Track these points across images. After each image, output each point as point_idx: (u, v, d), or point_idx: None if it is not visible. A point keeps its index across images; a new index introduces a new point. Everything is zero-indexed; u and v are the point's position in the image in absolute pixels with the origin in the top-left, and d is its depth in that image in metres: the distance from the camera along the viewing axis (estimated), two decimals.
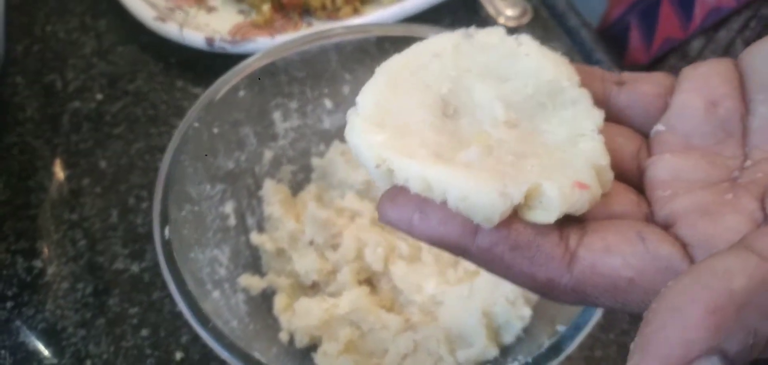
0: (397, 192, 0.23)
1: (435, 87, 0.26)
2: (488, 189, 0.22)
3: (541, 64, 0.26)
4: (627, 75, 0.27)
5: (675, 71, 0.26)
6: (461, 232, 0.22)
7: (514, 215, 0.22)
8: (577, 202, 0.22)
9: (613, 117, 0.26)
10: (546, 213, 0.22)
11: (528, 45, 0.27)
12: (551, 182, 0.22)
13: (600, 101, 0.26)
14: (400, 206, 0.23)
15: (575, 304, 0.23)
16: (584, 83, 0.26)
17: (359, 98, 0.25)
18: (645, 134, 0.26)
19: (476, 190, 0.22)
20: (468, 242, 0.22)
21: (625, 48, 0.65)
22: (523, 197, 0.22)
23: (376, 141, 0.23)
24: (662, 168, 0.24)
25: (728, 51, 0.58)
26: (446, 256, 0.45)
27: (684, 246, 0.22)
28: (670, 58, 0.63)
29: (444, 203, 0.22)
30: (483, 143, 0.24)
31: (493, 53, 0.27)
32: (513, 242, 0.22)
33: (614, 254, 0.22)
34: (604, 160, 0.24)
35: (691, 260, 0.21)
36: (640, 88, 0.26)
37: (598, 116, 0.25)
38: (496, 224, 0.22)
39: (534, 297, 0.41)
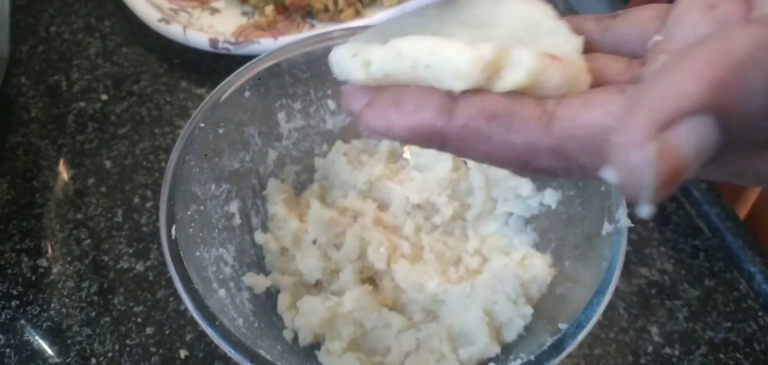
0: (374, 96, 0.23)
1: None
2: (458, 44, 0.22)
3: (519, 8, 0.26)
4: (622, 11, 0.26)
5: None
6: (436, 113, 0.22)
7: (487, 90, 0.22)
8: (548, 69, 0.22)
9: (609, 47, 0.25)
10: (515, 72, 0.22)
11: None
12: (522, 47, 0.22)
13: (594, 36, 0.25)
14: (377, 108, 0.23)
15: (558, 172, 0.22)
16: (576, 26, 0.26)
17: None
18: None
19: (445, 45, 0.22)
20: (443, 123, 0.22)
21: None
22: (493, 59, 0.22)
23: (354, 44, 0.24)
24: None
25: None
26: (448, 255, 0.45)
27: None
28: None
29: (417, 85, 0.23)
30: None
31: (475, 7, 0.27)
32: (489, 111, 0.22)
33: (594, 106, 0.21)
34: (579, 62, 0.24)
35: None
36: (635, 15, 0.25)
37: (576, 40, 0.25)
38: (468, 81, 0.22)
39: (535, 296, 0.41)
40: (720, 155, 0.18)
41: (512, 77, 0.22)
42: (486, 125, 0.22)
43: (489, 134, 0.22)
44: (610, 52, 0.25)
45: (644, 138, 0.17)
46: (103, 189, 0.53)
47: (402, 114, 0.23)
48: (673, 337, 0.47)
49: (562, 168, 0.22)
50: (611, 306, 0.46)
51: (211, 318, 0.34)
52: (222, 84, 0.43)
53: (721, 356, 0.46)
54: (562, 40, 0.25)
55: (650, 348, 0.46)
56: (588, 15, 0.27)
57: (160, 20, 0.61)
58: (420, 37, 0.23)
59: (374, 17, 0.62)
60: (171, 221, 0.37)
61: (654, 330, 0.47)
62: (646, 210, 0.18)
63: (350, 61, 0.24)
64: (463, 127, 0.22)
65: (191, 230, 0.39)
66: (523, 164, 0.22)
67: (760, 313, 0.48)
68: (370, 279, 0.46)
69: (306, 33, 0.63)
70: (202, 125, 0.41)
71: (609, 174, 0.19)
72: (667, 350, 0.46)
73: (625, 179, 0.18)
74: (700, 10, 0.22)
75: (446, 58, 0.22)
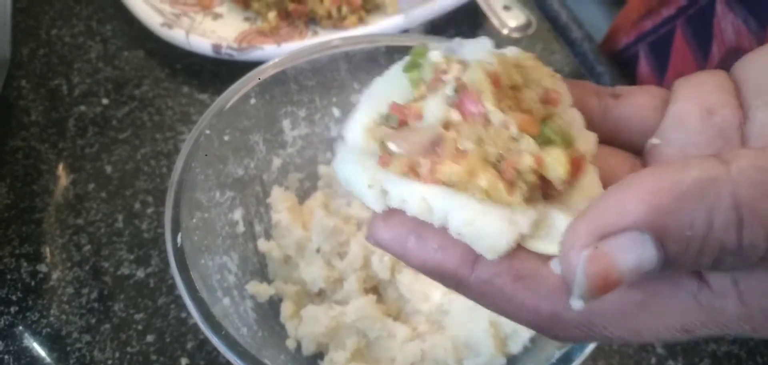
0: (392, 213, 0.22)
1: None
2: (497, 216, 0.20)
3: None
4: (621, 88, 0.26)
5: None
6: (460, 261, 0.21)
7: (517, 246, 0.21)
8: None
9: (610, 130, 0.25)
10: (553, 244, 0.21)
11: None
12: (559, 212, 0.21)
13: (595, 115, 0.25)
14: (394, 228, 0.22)
15: (577, 340, 0.22)
16: (578, 99, 0.25)
17: (346, 131, 0.24)
18: (640, 150, 0.25)
19: (483, 214, 0.20)
20: (466, 273, 0.21)
21: (635, 76, 0.64)
22: (530, 231, 0.21)
23: (369, 164, 0.22)
24: None
25: None
26: None
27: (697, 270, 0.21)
28: None
29: (443, 228, 0.21)
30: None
31: None
32: (516, 272, 0.21)
33: None
34: (597, 190, 0.23)
35: (705, 281, 0.20)
36: (635, 100, 0.25)
37: (591, 137, 0.24)
38: (501, 255, 0.21)
39: None
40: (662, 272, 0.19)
41: (549, 249, 0.21)
42: (512, 286, 0.21)
43: (513, 294, 0.21)
44: (610, 134, 0.25)
45: (582, 244, 0.19)
46: (103, 194, 0.53)
47: (423, 248, 0.22)
48: (677, 349, 0.47)
49: (586, 337, 0.21)
50: None
51: (216, 327, 0.34)
52: (227, 91, 0.43)
53: None
54: (580, 136, 0.24)
55: (654, 361, 0.46)
56: (588, 84, 0.26)
57: (163, 25, 0.60)
58: (453, 198, 0.21)
59: (377, 25, 0.62)
60: (176, 228, 0.37)
61: None
62: (576, 304, 0.19)
63: (362, 186, 0.22)
64: (486, 282, 0.21)
65: (196, 237, 0.39)
66: (543, 330, 0.22)
67: None
68: (374, 288, 0.45)
69: (309, 40, 0.63)
70: (207, 131, 0.41)
71: (555, 266, 0.21)
72: (671, 362, 0.46)
73: (565, 275, 0.19)
74: (698, 115, 0.23)
75: (483, 233, 0.20)
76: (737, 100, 0.23)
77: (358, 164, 0.23)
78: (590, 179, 0.23)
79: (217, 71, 0.61)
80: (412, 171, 0.22)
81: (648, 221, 0.18)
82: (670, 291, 0.21)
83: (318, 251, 0.45)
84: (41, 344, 0.46)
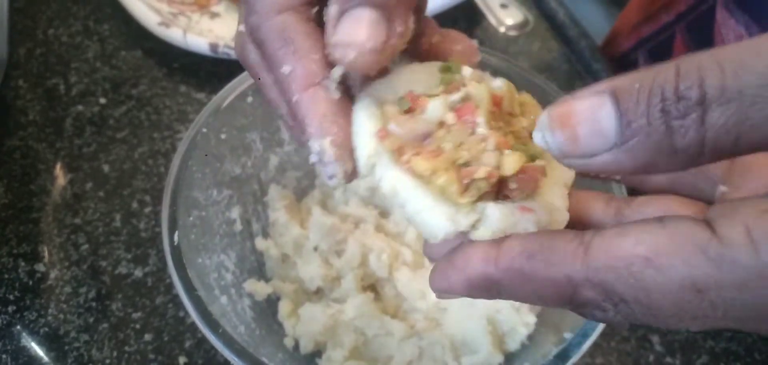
0: (439, 261, 0.25)
1: None
2: (440, 212, 0.24)
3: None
4: (633, 199, 0.27)
5: None
6: (483, 261, 0.23)
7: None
8: (519, 223, 0.24)
9: None
10: (485, 230, 0.24)
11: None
12: (495, 206, 0.24)
13: (609, 223, 0.26)
14: (440, 271, 0.25)
15: (605, 307, 0.22)
16: (584, 209, 0.27)
17: (374, 90, 0.27)
18: None
19: (430, 209, 0.24)
20: (492, 268, 0.23)
21: None
22: (467, 227, 0.24)
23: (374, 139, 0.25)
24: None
25: None
26: None
27: (707, 223, 0.20)
28: None
29: (464, 243, 0.24)
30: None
31: None
32: (528, 251, 0.22)
33: (629, 235, 0.21)
34: (560, 203, 0.26)
35: (715, 232, 0.20)
36: (646, 207, 0.26)
37: (569, 174, 0.27)
38: (438, 240, 0.24)
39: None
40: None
41: (481, 234, 0.24)
42: (528, 264, 0.22)
43: (532, 271, 0.22)
44: None
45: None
46: (101, 194, 0.53)
47: (456, 270, 0.24)
48: (675, 346, 0.47)
49: (605, 300, 0.22)
50: None
51: (214, 326, 0.34)
52: (224, 89, 0.42)
53: None
54: (558, 166, 0.26)
55: (652, 358, 0.46)
56: (595, 193, 0.27)
57: (160, 24, 0.60)
58: (415, 188, 0.24)
59: None
60: (173, 226, 0.37)
61: (655, 339, 0.47)
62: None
63: (363, 151, 0.26)
64: (508, 269, 0.23)
65: (193, 236, 0.39)
66: (568, 299, 0.22)
67: None
68: (372, 286, 0.45)
69: None
70: (204, 130, 0.41)
71: (536, 136, 0.22)
72: (669, 359, 0.46)
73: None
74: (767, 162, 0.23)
75: (426, 223, 0.24)
76: None
77: (369, 126, 0.26)
78: (552, 193, 0.26)
79: (215, 70, 0.61)
80: (399, 153, 0.25)
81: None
82: (676, 243, 0.20)
83: (315, 249, 0.45)
84: (39, 343, 0.45)
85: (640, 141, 0.19)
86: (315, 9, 0.27)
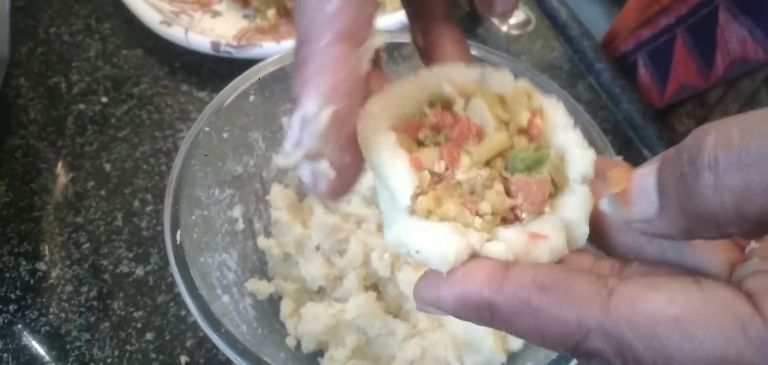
0: (429, 275, 0.23)
1: None
2: (451, 230, 0.22)
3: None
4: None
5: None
6: (485, 281, 0.21)
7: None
8: (532, 251, 0.22)
9: None
10: (501, 246, 0.22)
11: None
12: (507, 231, 0.23)
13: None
14: (429, 279, 0.23)
15: (611, 360, 0.20)
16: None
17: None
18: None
19: (435, 242, 0.22)
20: (492, 293, 0.21)
21: (634, 83, 0.63)
22: (481, 248, 0.22)
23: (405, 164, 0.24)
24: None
25: (752, 100, 0.53)
26: None
27: (750, 295, 0.19)
28: (687, 104, 0.59)
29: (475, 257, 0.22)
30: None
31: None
32: (540, 282, 0.20)
33: (660, 290, 0.19)
34: (577, 214, 0.24)
35: (758, 310, 0.18)
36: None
37: (586, 159, 0.25)
38: (451, 265, 0.22)
39: None
40: None
41: (496, 249, 0.22)
42: (536, 296, 0.20)
43: (539, 306, 0.20)
44: None
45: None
46: (102, 193, 0.53)
47: (451, 284, 0.22)
48: None
49: (615, 356, 0.20)
50: None
51: (216, 325, 0.34)
52: (226, 88, 0.42)
53: None
54: (573, 159, 0.25)
55: None
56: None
57: (162, 23, 0.60)
58: (411, 228, 0.23)
59: (377, 22, 0.62)
60: (176, 225, 0.36)
61: None
62: (606, 204, 0.22)
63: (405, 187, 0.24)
64: (513, 297, 0.21)
65: (195, 235, 0.39)
66: (573, 346, 0.20)
67: None
68: (374, 286, 0.45)
69: None
70: (206, 128, 0.41)
71: (605, 204, 0.22)
72: None
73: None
74: None
75: (434, 248, 0.22)
76: None
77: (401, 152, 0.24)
78: (567, 204, 0.24)
79: (216, 69, 0.61)
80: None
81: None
82: (713, 312, 0.18)
83: (318, 248, 0.45)
84: (40, 342, 0.45)
85: (672, 206, 0.19)
86: None
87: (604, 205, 0.21)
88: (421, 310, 0.23)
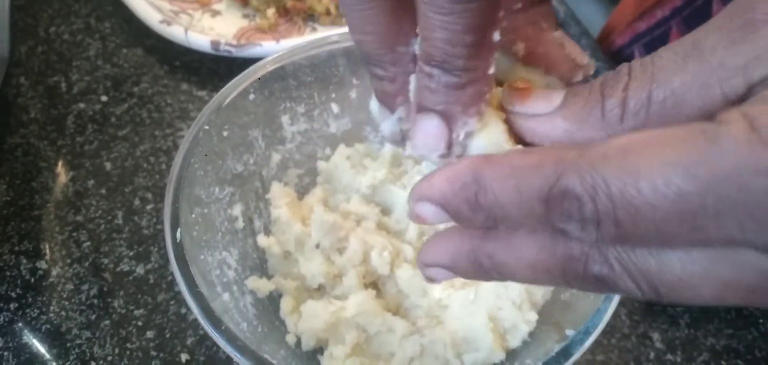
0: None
1: None
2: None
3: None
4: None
5: None
6: (476, 159, 0.22)
7: None
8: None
9: None
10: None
11: None
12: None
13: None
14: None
15: (582, 202, 0.19)
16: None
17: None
18: None
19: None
20: (482, 165, 0.21)
21: None
22: None
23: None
24: None
25: None
26: None
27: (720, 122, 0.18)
28: None
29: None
30: None
31: None
32: (524, 151, 0.22)
33: (636, 132, 0.20)
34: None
35: (723, 125, 0.18)
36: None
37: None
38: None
39: (540, 301, 0.41)
40: None
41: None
42: (520, 157, 0.21)
43: (522, 164, 0.21)
44: None
45: None
46: (103, 191, 0.53)
47: (441, 169, 0.23)
48: (675, 343, 0.47)
49: (585, 194, 0.19)
50: (613, 312, 0.46)
51: (216, 322, 0.34)
52: (226, 86, 0.43)
53: (723, 362, 0.46)
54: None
55: (652, 355, 0.46)
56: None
57: (161, 22, 0.60)
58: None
59: None
60: (176, 223, 0.37)
61: (656, 336, 0.47)
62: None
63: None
64: (498, 165, 0.21)
65: (195, 233, 0.39)
66: (547, 191, 0.20)
67: (761, 320, 0.48)
68: (373, 283, 0.45)
69: (308, 36, 0.63)
70: (206, 127, 0.41)
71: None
72: (669, 356, 0.46)
73: None
74: None
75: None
76: None
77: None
78: (496, 126, 0.26)
79: (216, 68, 0.61)
80: None
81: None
82: (684, 130, 0.18)
83: (317, 246, 0.45)
84: (41, 340, 0.46)
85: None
86: None
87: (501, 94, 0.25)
88: (412, 219, 0.24)
